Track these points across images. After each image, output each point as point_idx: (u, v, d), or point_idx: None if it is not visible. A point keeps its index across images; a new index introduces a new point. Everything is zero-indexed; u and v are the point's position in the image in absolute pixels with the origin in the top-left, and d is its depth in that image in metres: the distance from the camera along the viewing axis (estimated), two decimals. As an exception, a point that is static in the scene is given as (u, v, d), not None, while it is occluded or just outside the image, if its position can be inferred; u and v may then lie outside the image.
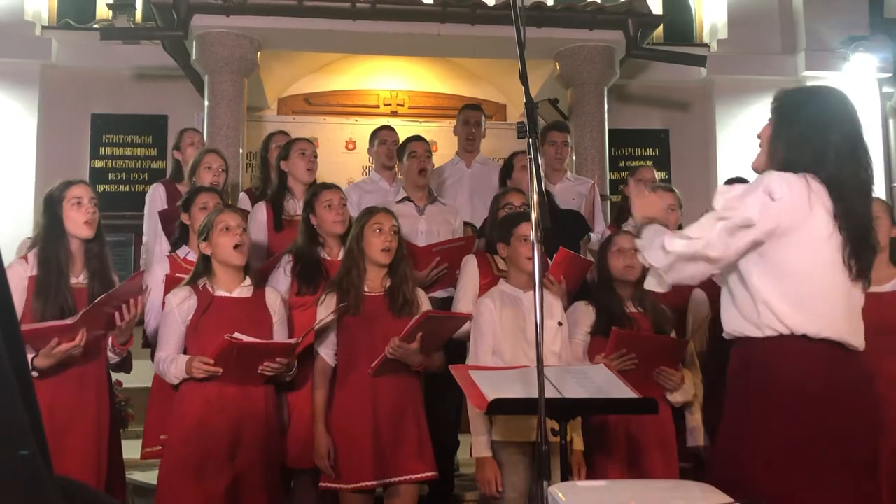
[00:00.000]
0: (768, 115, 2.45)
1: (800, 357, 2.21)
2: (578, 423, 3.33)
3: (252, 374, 3.25)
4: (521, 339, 3.34)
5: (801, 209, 2.21)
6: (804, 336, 2.21)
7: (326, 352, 3.45)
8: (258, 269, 3.78)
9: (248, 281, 3.46)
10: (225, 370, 3.20)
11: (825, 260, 2.23)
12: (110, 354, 3.40)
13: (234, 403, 3.26)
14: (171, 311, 3.37)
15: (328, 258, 3.75)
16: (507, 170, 4.79)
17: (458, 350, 3.65)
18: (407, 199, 4.65)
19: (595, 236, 4.85)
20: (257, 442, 3.28)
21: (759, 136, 2.47)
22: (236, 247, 3.37)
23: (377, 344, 3.32)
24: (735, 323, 2.34)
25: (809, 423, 2.17)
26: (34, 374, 3.09)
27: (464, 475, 4.63)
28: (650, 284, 2.45)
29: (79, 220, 3.34)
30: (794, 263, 2.22)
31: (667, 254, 2.30)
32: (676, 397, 3.49)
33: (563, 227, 4.37)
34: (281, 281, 3.70)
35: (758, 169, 2.44)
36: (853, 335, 2.27)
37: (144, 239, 4.89)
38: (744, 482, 2.14)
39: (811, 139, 2.30)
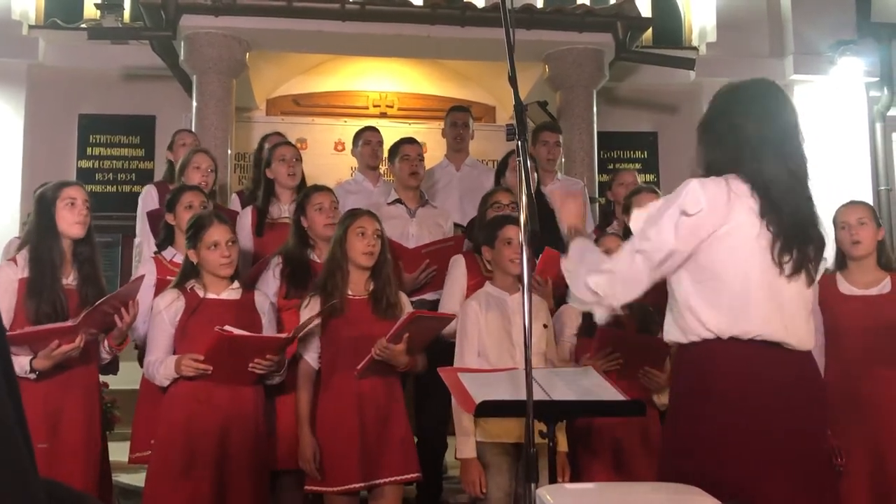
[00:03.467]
0: None
1: (728, 359, 2.18)
2: (563, 425, 3.33)
3: (242, 373, 3.24)
4: (506, 341, 3.34)
5: (719, 214, 2.17)
6: (732, 338, 2.18)
7: (310, 355, 3.44)
8: (247, 274, 3.78)
9: (236, 283, 3.45)
10: (215, 368, 3.19)
11: (753, 260, 2.18)
12: (104, 355, 3.42)
13: (223, 404, 3.25)
14: (159, 313, 3.36)
15: (318, 261, 3.74)
16: (501, 170, 4.79)
17: (447, 352, 3.64)
18: (398, 201, 4.65)
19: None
20: (245, 443, 3.27)
21: None
22: (222, 264, 3.36)
23: (361, 346, 3.31)
24: (668, 331, 2.33)
25: (739, 424, 2.14)
26: (32, 375, 3.12)
27: (452, 478, 4.62)
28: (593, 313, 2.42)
29: (71, 221, 3.35)
30: (721, 266, 2.19)
31: (593, 294, 2.28)
32: (662, 399, 3.49)
33: (558, 229, 4.37)
34: (270, 283, 3.70)
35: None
36: (790, 334, 2.20)
37: (137, 240, 4.86)
38: (685, 477, 2.14)
39: (727, 138, 2.27)
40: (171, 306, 3.34)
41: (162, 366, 3.28)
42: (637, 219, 2.31)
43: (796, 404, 2.18)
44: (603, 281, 2.27)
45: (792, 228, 2.19)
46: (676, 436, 2.29)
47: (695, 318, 2.21)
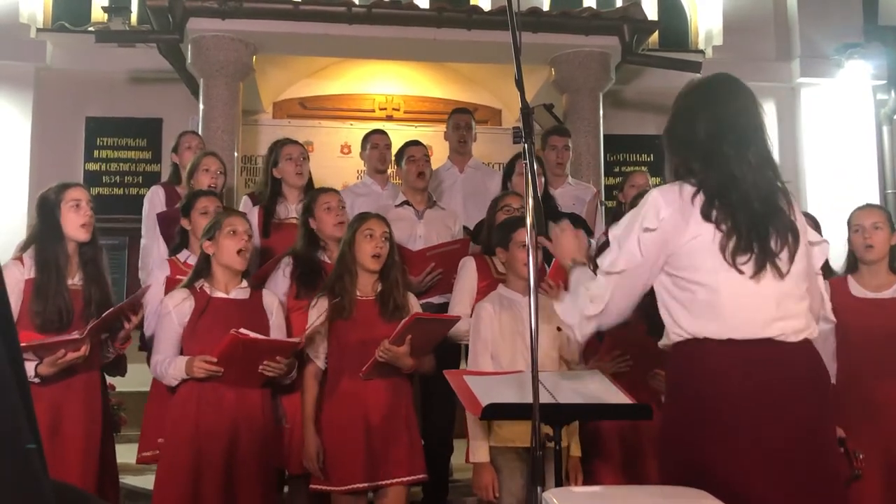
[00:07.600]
0: None
1: (703, 358, 2.16)
2: (575, 429, 3.32)
3: (252, 375, 3.25)
4: (520, 343, 3.33)
5: (679, 223, 2.17)
6: (706, 338, 2.16)
7: (317, 356, 3.46)
8: (258, 272, 3.78)
9: (244, 283, 3.47)
10: (226, 370, 3.20)
11: (716, 263, 2.15)
12: (107, 353, 3.42)
13: (231, 406, 3.26)
14: (168, 313, 3.37)
15: (329, 262, 3.75)
16: (508, 174, 4.79)
17: (452, 354, 3.64)
18: (406, 203, 4.66)
19: (593, 242, 4.85)
20: (254, 445, 3.28)
21: None
22: (240, 251, 3.38)
23: (368, 348, 3.32)
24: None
25: (713, 423, 2.12)
26: (36, 380, 3.12)
27: (458, 481, 4.62)
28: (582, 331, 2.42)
29: (76, 223, 3.34)
30: (691, 273, 2.18)
31: (583, 320, 2.33)
32: (671, 401, 3.48)
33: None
34: (280, 283, 3.72)
35: None
36: (769, 330, 2.14)
37: (143, 242, 4.86)
38: (678, 476, 2.14)
39: (683, 142, 2.27)
40: (180, 306, 3.36)
41: (171, 366, 3.29)
42: (612, 236, 2.31)
43: (782, 400, 2.12)
44: (592, 309, 2.30)
45: (748, 225, 2.15)
46: (663, 435, 2.32)
47: (672, 319, 2.24)
